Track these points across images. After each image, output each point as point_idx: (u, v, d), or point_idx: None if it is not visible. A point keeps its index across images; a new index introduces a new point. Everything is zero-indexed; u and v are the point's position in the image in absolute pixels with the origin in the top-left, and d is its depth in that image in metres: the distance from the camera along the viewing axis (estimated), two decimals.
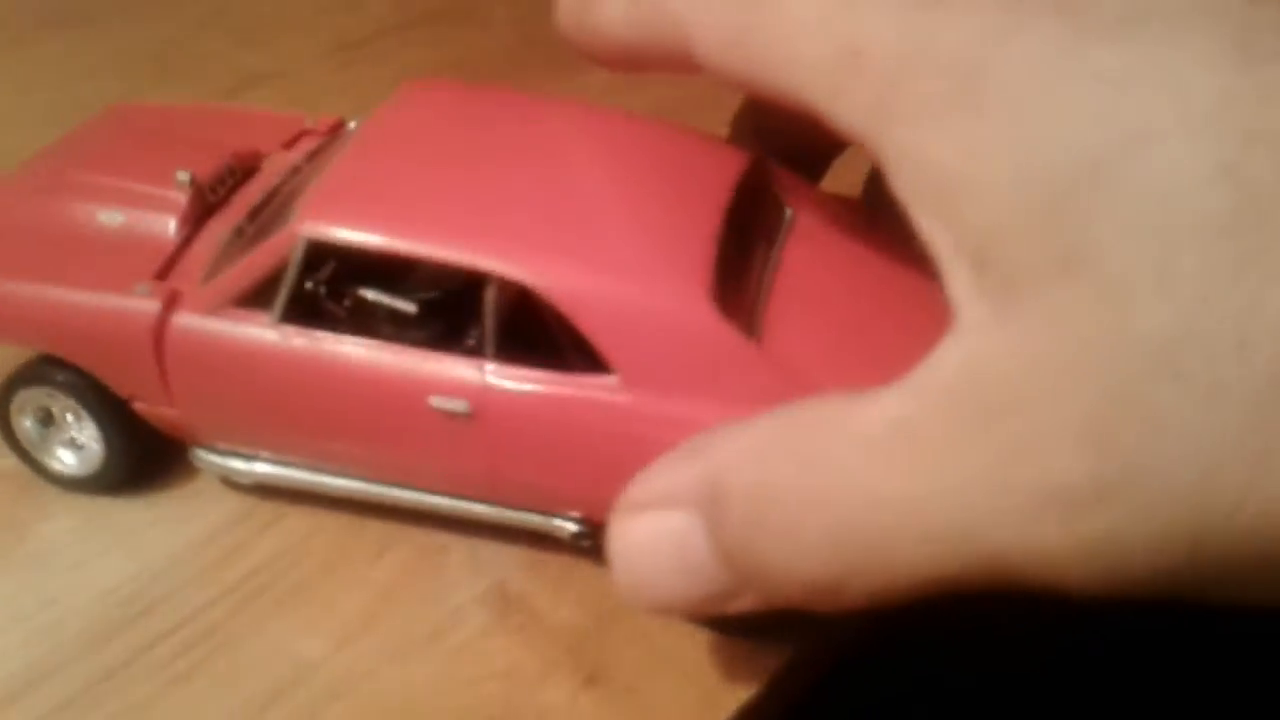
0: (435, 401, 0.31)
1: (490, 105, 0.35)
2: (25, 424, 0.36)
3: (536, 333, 0.30)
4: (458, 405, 0.31)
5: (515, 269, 0.29)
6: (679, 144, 0.34)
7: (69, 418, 0.35)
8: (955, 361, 0.18)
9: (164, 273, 0.34)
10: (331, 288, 0.32)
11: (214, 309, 0.32)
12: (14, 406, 0.35)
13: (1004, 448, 0.16)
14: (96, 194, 0.36)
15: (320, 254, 0.31)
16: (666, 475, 0.23)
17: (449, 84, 0.37)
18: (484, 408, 0.31)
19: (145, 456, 0.36)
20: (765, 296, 0.31)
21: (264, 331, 0.32)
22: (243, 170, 0.38)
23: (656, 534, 0.23)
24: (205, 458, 0.35)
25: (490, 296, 0.30)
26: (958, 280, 0.18)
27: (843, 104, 0.20)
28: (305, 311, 0.32)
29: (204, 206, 0.36)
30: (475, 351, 0.31)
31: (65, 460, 0.36)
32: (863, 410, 0.19)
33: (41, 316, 0.34)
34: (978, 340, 0.18)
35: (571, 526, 0.33)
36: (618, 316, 0.29)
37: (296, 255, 0.31)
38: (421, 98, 0.36)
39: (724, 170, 0.32)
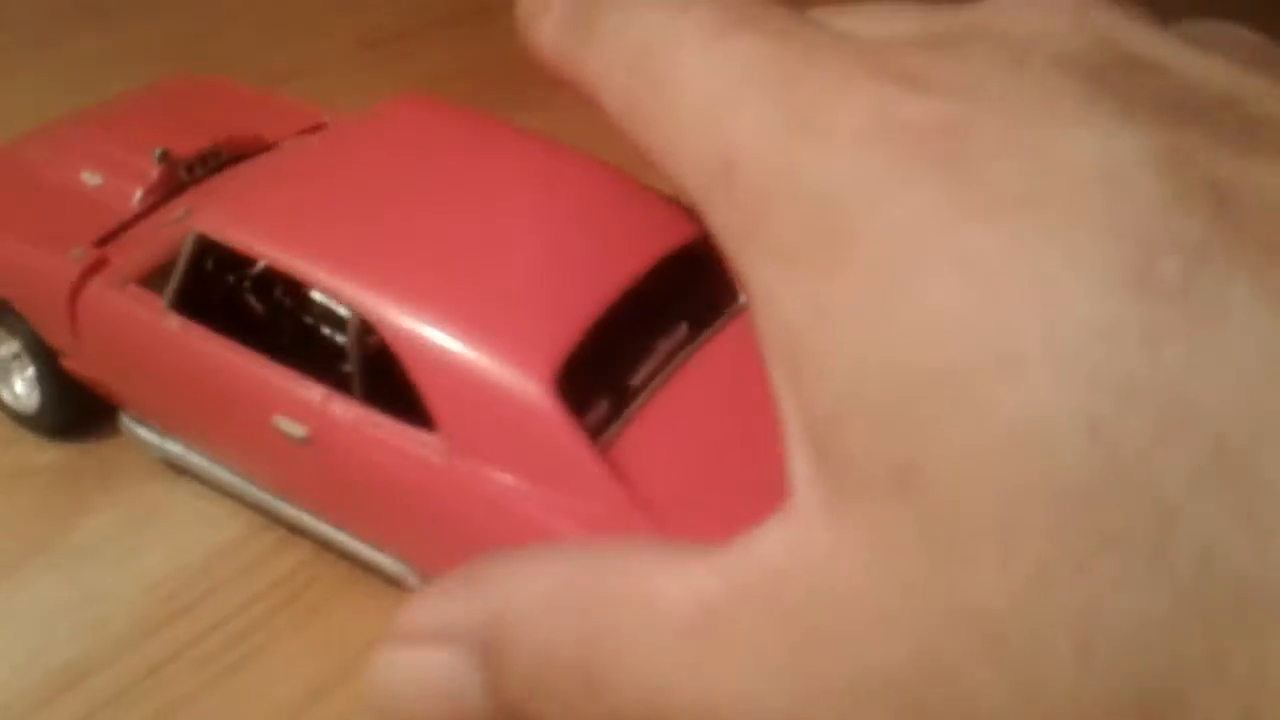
0: (278, 421, 0.30)
1: (455, 133, 0.34)
2: None
3: (392, 377, 0.29)
4: (296, 430, 0.30)
5: (371, 305, 0.28)
6: (625, 206, 0.32)
7: (14, 359, 0.37)
8: (776, 546, 0.15)
9: (109, 238, 0.35)
10: (222, 285, 0.32)
11: (121, 283, 0.33)
12: None
13: (809, 645, 0.14)
14: (87, 155, 0.38)
15: (211, 250, 0.31)
16: (443, 606, 0.21)
17: (430, 105, 0.36)
18: (319, 436, 0.30)
19: (81, 409, 0.37)
20: (649, 392, 0.29)
21: (150, 313, 0.32)
22: (232, 155, 0.38)
23: (427, 674, 0.21)
24: (129, 425, 0.36)
25: (351, 327, 0.29)
26: (797, 456, 0.16)
27: (716, 219, 0.17)
28: (196, 303, 0.32)
29: (175, 183, 0.37)
30: (327, 380, 0.30)
31: (18, 393, 0.38)
32: (671, 584, 0.16)
33: None
34: (804, 529, 0.15)
35: (412, 579, 0.31)
36: (452, 376, 0.27)
37: (187, 247, 0.31)
38: (391, 116, 0.35)
39: (656, 241, 0.30)
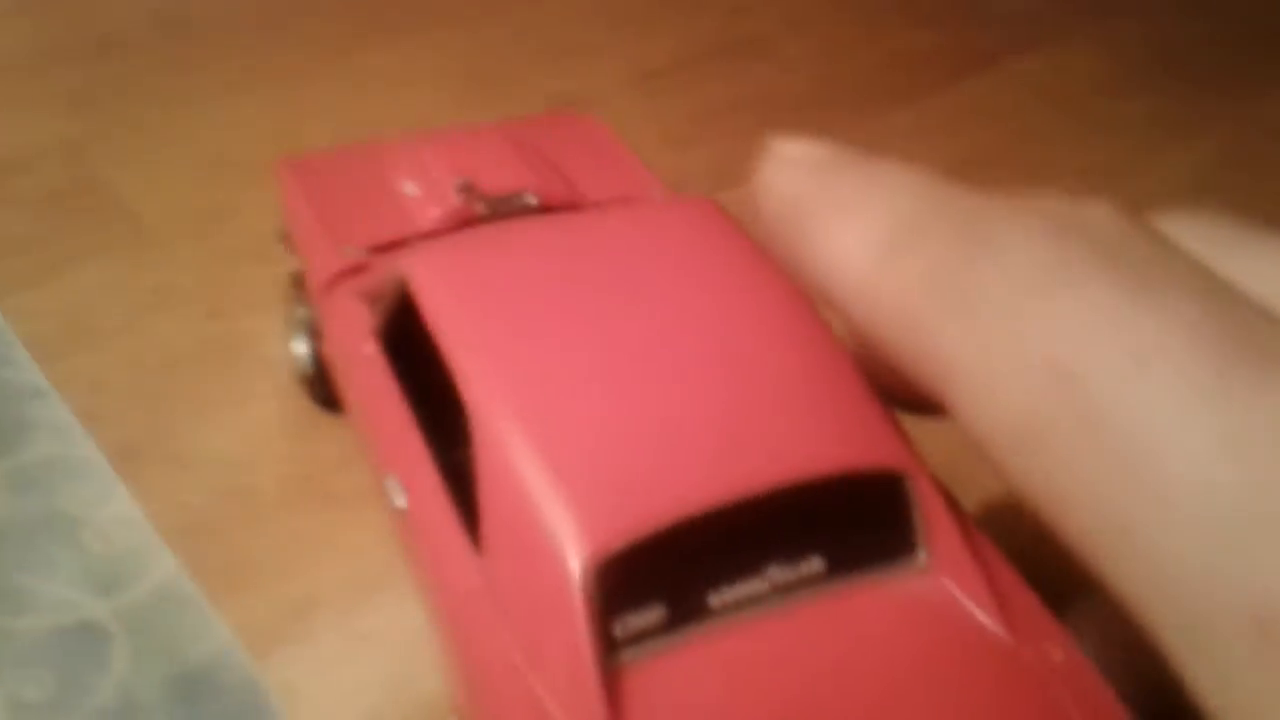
0: (388, 481, 0.29)
1: (699, 256, 0.30)
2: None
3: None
4: (399, 497, 0.29)
5: (477, 403, 0.26)
6: (820, 400, 0.26)
7: (304, 324, 0.40)
8: None
9: (389, 247, 0.36)
10: (410, 331, 0.32)
11: (359, 293, 0.34)
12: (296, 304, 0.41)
13: None
14: (418, 167, 0.39)
15: (405, 294, 0.31)
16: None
17: (702, 215, 0.33)
18: (410, 512, 0.28)
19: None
20: (728, 622, 0.24)
21: (359, 332, 0.32)
22: (539, 204, 0.38)
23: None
24: None
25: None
26: None
27: (1213, 667, 0.12)
28: (392, 337, 0.32)
29: (470, 215, 0.37)
30: (437, 461, 0.28)
31: (302, 354, 0.41)
32: None
33: (301, 239, 0.39)
34: None
35: None
36: (511, 511, 0.25)
37: (392, 284, 0.31)
38: (654, 219, 0.32)
39: (827, 455, 0.24)
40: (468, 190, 0.37)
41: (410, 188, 0.39)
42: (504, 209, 0.37)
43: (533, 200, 0.38)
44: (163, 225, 0.51)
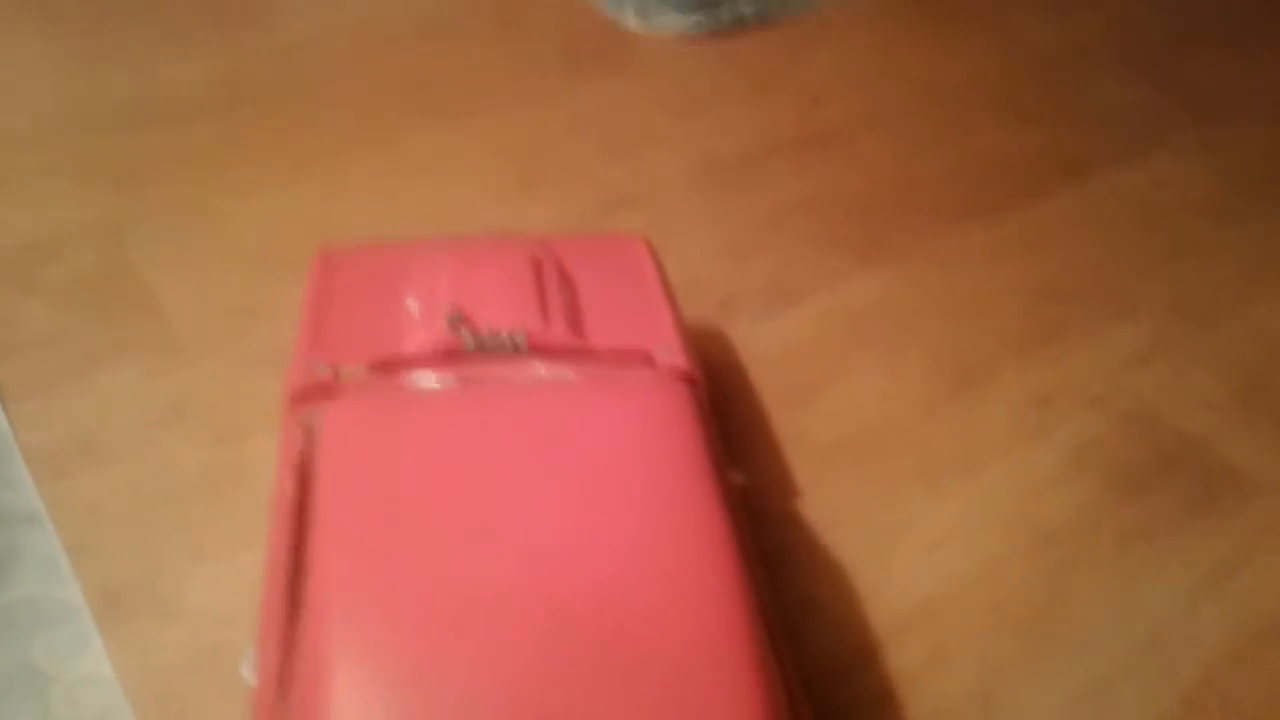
0: (248, 653, 0.27)
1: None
2: None
3: None
4: (249, 675, 0.27)
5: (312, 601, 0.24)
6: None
7: None
8: None
9: (374, 367, 0.35)
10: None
11: (307, 421, 0.33)
12: None
13: None
14: (426, 282, 0.38)
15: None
16: None
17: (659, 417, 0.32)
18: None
19: None
20: None
21: (291, 463, 0.32)
22: (530, 347, 0.36)
23: None
24: None
25: None
26: None
27: None
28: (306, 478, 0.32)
29: (456, 348, 0.36)
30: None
31: None
32: None
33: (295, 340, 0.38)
34: None
35: None
36: None
37: (306, 431, 0.31)
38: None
39: None
40: (456, 324, 0.35)
41: (413, 304, 0.37)
42: (488, 346, 0.36)
43: (520, 342, 0.36)
44: (189, 326, 0.50)
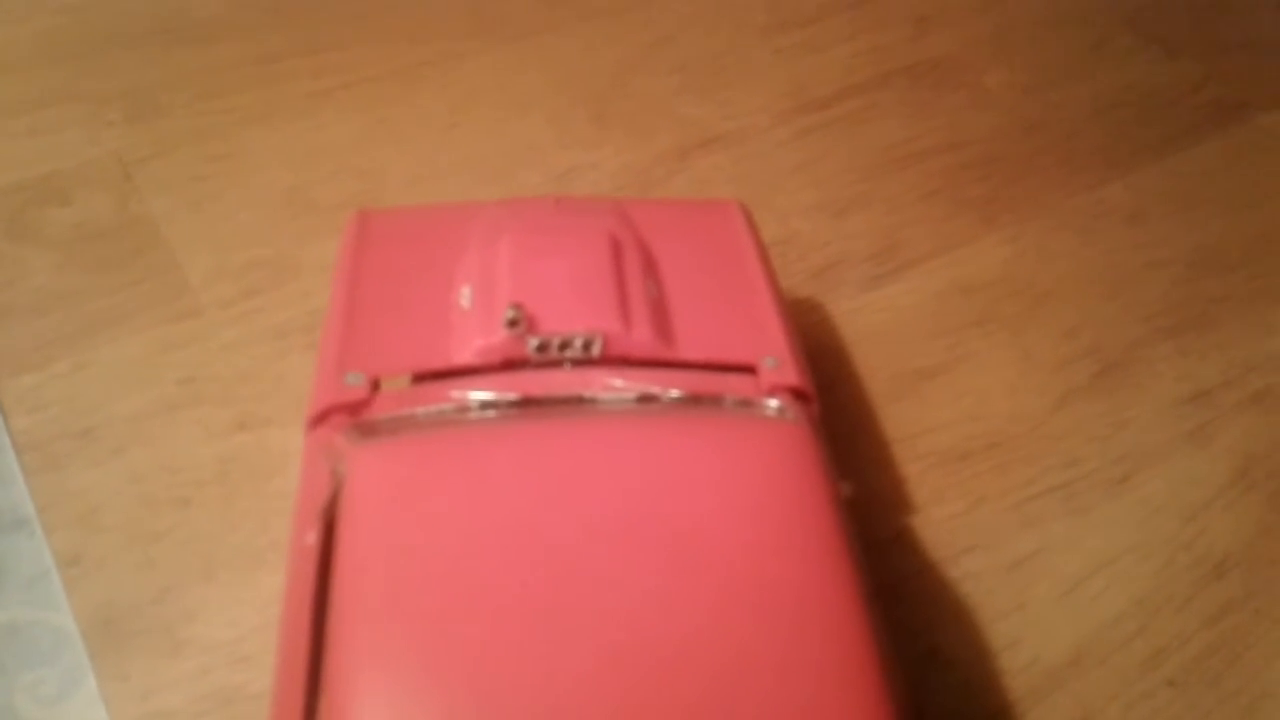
0: None
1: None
2: None
3: None
4: None
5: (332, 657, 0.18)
6: None
7: None
8: None
9: (422, 377, 0.29)
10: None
11: (330, 452, 0.26)
12: None
13: None
14: (482, 269, 0.31)
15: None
16: None
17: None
18: None
19: None
20: None
21: (307, 511, 0.26)
22: (604, 357, 0.29)
23: None
24: None
25: None
26: None
27: None
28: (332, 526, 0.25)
29: (517, 355, 0.29)
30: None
31: None
32: None
33: (323, 331, 0.31)
34: None
35: None
36: None
37: (336, 477, 0.24)
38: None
39: None
40: (519, 322, 0.28)
41: (466, 296, 0.30)
42: (554, 357, 0.29)
43: (595, 349, 0.29)
44: (209, 285, 0.43)
